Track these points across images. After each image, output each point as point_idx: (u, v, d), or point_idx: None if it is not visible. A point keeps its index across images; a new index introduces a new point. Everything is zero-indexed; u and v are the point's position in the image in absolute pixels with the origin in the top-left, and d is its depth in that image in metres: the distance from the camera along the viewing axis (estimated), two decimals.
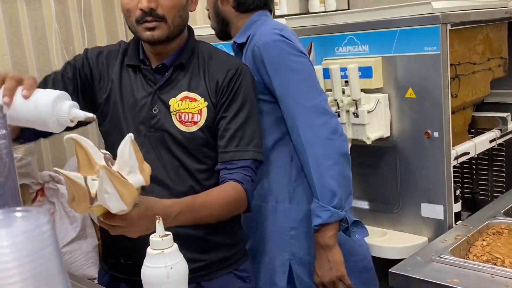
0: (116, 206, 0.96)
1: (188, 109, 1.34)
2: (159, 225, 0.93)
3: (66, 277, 0.50)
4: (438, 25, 1.61)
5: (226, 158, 1.34)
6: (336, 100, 1.76)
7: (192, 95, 1.34)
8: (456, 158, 1.72)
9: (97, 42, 3.03)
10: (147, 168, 1.02)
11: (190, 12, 1.38)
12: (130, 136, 0.98)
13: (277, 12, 3.69)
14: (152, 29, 1.28)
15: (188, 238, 1.29)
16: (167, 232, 0.93)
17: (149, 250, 0.92)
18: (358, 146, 1.84)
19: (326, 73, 1.78)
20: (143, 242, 0.97)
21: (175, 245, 0.93)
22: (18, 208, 0.51)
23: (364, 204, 1.93)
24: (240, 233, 1.50)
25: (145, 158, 1.23)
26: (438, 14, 1.62)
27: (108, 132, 1.43)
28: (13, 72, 1.34)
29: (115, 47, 1.47)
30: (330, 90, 1.78)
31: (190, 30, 1.43)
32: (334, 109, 1.76)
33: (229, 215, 1.31)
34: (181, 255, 0.94)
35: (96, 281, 1.94)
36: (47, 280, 0.47)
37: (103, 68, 1.41)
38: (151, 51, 1.38)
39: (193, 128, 1.34)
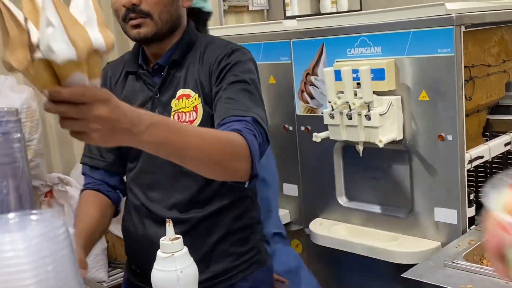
0: (62, 48, 0.73)
1: (185, 108, 1.30)
2: (169, 228, 0.93)
3: (80, 280, 0.51)
4: (452, 27, 1.61)
5: (220, 117, 1.20)
6: (347, 102, 1.76)
7: (187, 91, 1.31)
8: (470, 161, 1.72)
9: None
10: (110, 35, 0.82)
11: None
12: None
13: (288, 13, 3.69)
14: (137, 26, 1.26)
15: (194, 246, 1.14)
16: (177, 236, 0.94)
17: (159, 253, 0.93)
18: (370, 149, 1.83)
19: (338, 75, 1.78)
20: (152, 249, 0.97)
21: (185, 249, 0.94)
22: (33, 211, 0.52)
23: (376, 208, 1.92)
24: (254, 238, 1.42)
25: (154, 164, 1.22)
26: (452, 15, 1.62)
27: (119, 148, 1.39)
28: None
29: (120, 58, 1.46)
30: (342, 92, 1.78)
31: (189, 24, 1.39)
32: (345, 111, 1.77)
33: (223, 158, 1.06)
34: (191, 259, 0.95)
35: (104, 284, 1.96)
36: (61, 282, 0.48)
37: (110, 83, 1.40)
38: (148, 52, 1.36)
39: None
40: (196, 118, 1.27)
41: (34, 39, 0.75)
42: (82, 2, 0.79)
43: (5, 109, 0.60)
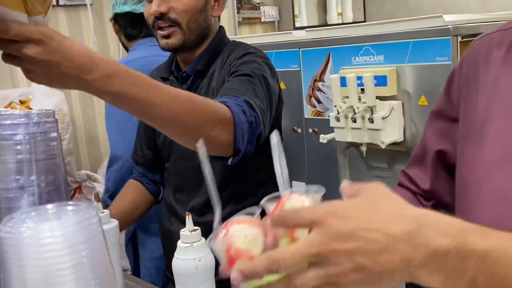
0: None
1: None
2: (189, 221, 0.94)
3: (113, 266, 0.52)
4: (449, 37, 1.61)
5: None
6: (352, 106, 1.76)
7: None
8: None
9: None
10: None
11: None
12: None
13: (297, 24, 3.70)
14: (167, 36, 1.21)
15: None
16: (195, 228, 0.94)
17: (179, 243, 0.94)
18: (373, 150, 1.83)
19: (343, 82, 1.79)
20: (174, 243, 0.97)
21: (203, 239, 0.94)
22: (69, 203, 0.53)
23: None
24: None
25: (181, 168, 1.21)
26: (449, 26, 1.62)
27: (156, 148, 1.42)
28: None
29: (164, 63, 1.40)
30: (347, 97, 1.78)
31: (220, 33, 1.32)
32: (350, 115, 1.77)
33: (198, 123, 0.90)
34: (209, 249, 0.95)
35: (129, 272, 1.97)
36: (94, 267, 0.49)
37: None
38: (178, 59, 1.32)
39: None
40: None
41: None
42: None
43: (43, 111, 0.61)
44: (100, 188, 2.52)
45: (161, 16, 1.19)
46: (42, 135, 0.59)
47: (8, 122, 0.57)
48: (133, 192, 1.46)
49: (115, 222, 1.03)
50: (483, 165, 0.73)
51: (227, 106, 0.95)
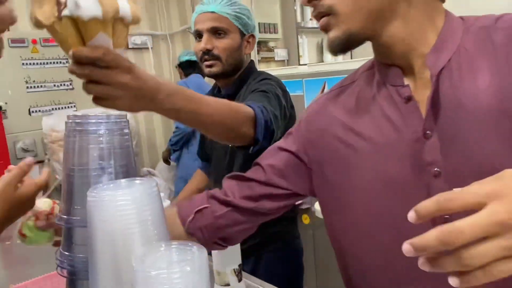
0: (89, 5, 0.54)
1: None
2: None
3: (166, 223, 0.53)
4: None
5: None
6: None
7: None
8: None
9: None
10: (138, 10, 0.61)
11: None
12: None
13: (301, 61, 3.71)
14: (210, 66, 1.21)
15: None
16: None
17: None
18: None
19: None
20: None
21: None
22: (136, 178, 0.54)
23: None
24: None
25: (214, 167, 1.23)
26: None
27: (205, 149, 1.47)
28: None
29: (211, 88, 1.40)
30: None
31: (249, 65, 1.29)
32: None
33: (234, 124, 0.86)
34: None
35: None
36: (154, 223, 0.50)
37: None
38: (219, 84, 1.31)
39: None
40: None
41: None
42: None
43: (119, 113, 0.62)
44: (157, 180, 2.56)
45: (207, 52, 1.20)
46: (118, 130, 0.60)
47: (93, 120, 0.58)
48: (199, 180, 1.55)
49: (168, 202, 1.05)
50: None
51: (251, 107, 0.92)
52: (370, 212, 0.63)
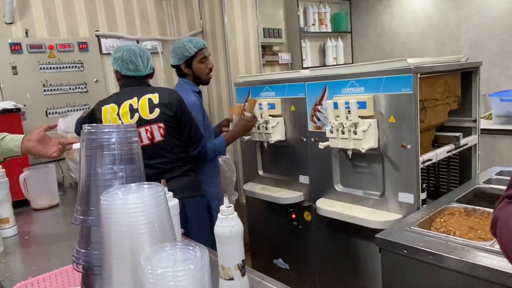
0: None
1: None
2: (226, 199, 0.95)
3: (174, 228, 0.55)
4: (411, 74, 1.60)
5: None
6: (341, 123, 1.77)
7: None
8: (423, 162, 1.70)
9: None
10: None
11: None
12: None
13: (304, 65, 3.71)
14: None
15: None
16: (230, 204, 0.96)
17: (219, 215, 0.95)
18: (356, 153, 1.83)
19: (336, 105, 1.80)
20: None
21: (235, 213, 0.96)
22: (145, 183, 0.56)
23: (360, 192, 1.92)
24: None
25: None
26: (411, 66, 1.62)
27: None
28: None
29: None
30: (338, 116, 1.79)
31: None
32: (340, 129, 1.78)
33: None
34: (239, 219, 0.96)
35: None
36: (161, 225, 0.52)
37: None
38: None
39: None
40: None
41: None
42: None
43: (128, 124, 0.65)
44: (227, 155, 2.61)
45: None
46: (127, 139, 0.63)
47: (106, 130, 0.61)
48: None
49: (176, 201, 1.07)
50: None
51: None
52: None
